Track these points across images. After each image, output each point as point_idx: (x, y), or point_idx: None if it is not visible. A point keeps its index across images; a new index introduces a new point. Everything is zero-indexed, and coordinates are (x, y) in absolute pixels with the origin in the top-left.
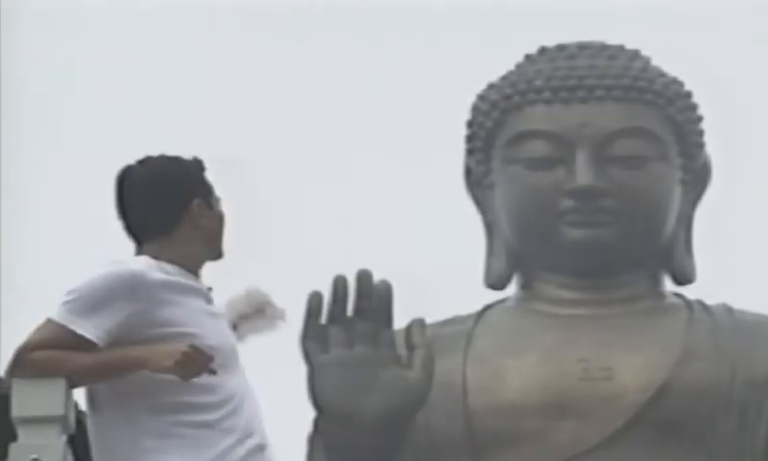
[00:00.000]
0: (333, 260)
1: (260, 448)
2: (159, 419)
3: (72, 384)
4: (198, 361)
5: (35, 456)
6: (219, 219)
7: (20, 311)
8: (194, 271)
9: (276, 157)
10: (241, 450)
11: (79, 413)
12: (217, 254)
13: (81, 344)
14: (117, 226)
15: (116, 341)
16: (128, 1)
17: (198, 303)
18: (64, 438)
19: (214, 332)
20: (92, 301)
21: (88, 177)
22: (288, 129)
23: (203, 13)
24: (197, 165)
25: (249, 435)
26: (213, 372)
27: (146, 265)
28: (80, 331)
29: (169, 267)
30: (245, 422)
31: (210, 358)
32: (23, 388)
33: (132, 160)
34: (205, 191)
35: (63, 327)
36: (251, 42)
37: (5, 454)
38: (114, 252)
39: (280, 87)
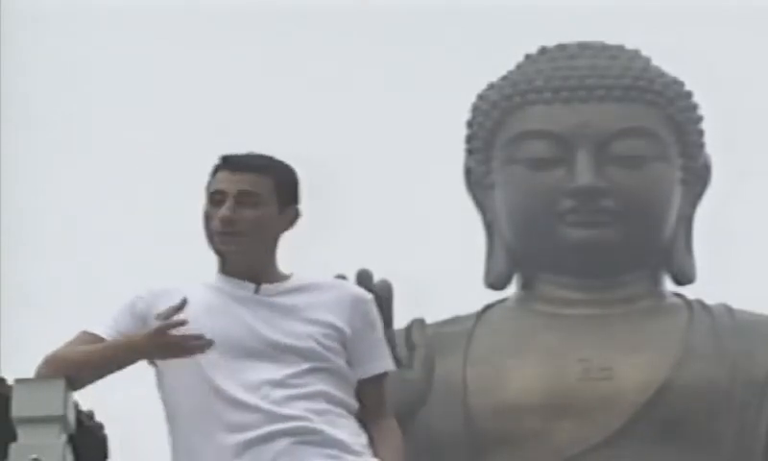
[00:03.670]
0: (332, 261)
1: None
2: None
3: (72, 384)
4: (172, 339)
5: (35, 456)
6: (205, 217)
7: (20, 312)
8: (229, 273)
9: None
10: None
11: (79, 413)
12: (216, 251)
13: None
14: (116, 225)
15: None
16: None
17: (196, 298)
18: (64, 438)
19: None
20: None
21: (89, 178)
22: (286, 129)
23: (203, 12)
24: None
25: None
26: (200, 348)
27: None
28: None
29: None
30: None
31: (189, 337)
32: (23, 388)
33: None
34: (207, 192)
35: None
36: (251, 43)
37: (5, 454)
38: (115, 250)
39: (276, 87)
